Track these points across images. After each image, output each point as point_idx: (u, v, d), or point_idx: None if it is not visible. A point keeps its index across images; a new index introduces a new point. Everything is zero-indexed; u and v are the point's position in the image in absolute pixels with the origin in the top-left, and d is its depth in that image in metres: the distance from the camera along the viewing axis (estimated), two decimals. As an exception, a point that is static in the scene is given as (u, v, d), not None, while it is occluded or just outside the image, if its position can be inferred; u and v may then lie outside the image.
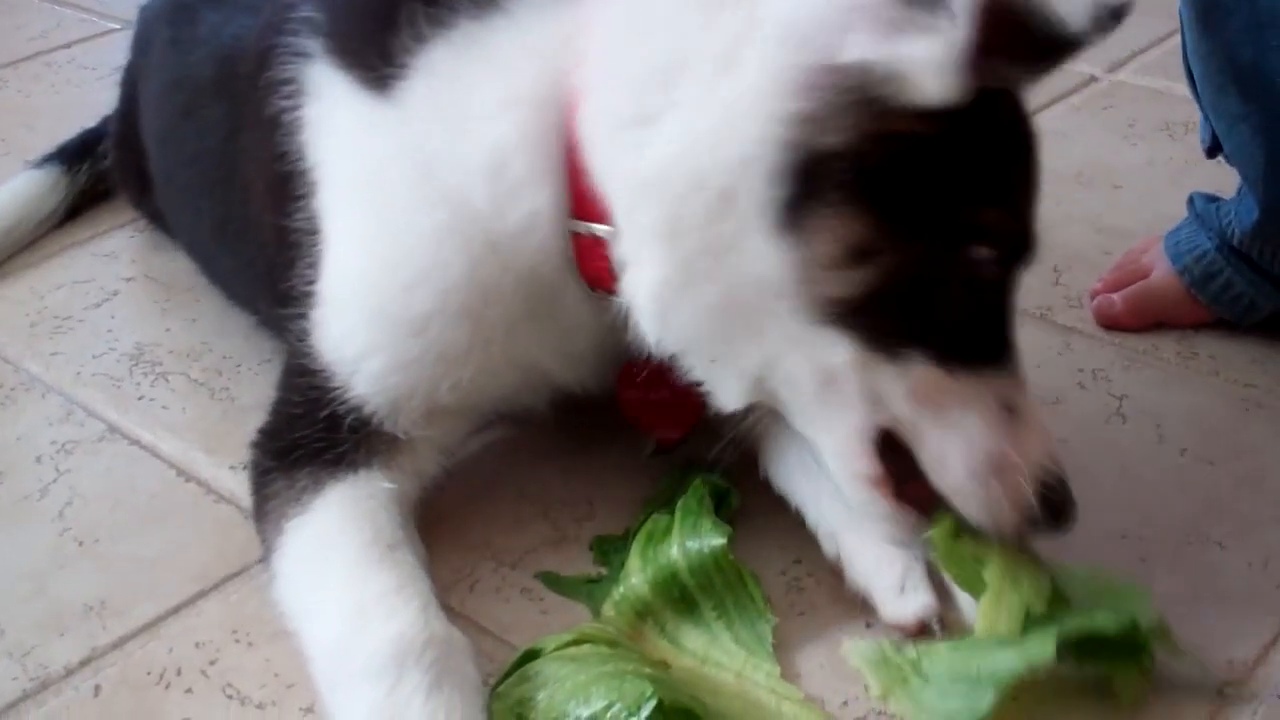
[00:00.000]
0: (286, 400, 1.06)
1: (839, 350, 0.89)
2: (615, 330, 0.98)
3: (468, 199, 0.96)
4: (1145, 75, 1.85)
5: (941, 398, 0.90)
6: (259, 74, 1.09)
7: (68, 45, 2.10)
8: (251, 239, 1.18)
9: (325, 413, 1.02)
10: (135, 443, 1.23)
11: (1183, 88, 1.79)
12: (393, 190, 1.00)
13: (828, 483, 0.98)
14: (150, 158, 1.44)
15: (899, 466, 0.93)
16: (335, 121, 1.04)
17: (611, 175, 0.92)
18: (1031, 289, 1.37)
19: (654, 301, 0.92)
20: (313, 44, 1.05)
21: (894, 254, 0.86)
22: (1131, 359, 1.28)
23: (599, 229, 0.95)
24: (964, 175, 0.88)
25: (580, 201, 0.95)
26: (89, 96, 1.83)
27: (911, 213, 0.86)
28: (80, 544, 1.11)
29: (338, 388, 1.02)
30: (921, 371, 0.89)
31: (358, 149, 1.02)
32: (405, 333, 1.00)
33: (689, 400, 1.00)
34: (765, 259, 0.87)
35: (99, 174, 1.61)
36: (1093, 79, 1.85)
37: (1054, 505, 0.91)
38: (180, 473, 1.18)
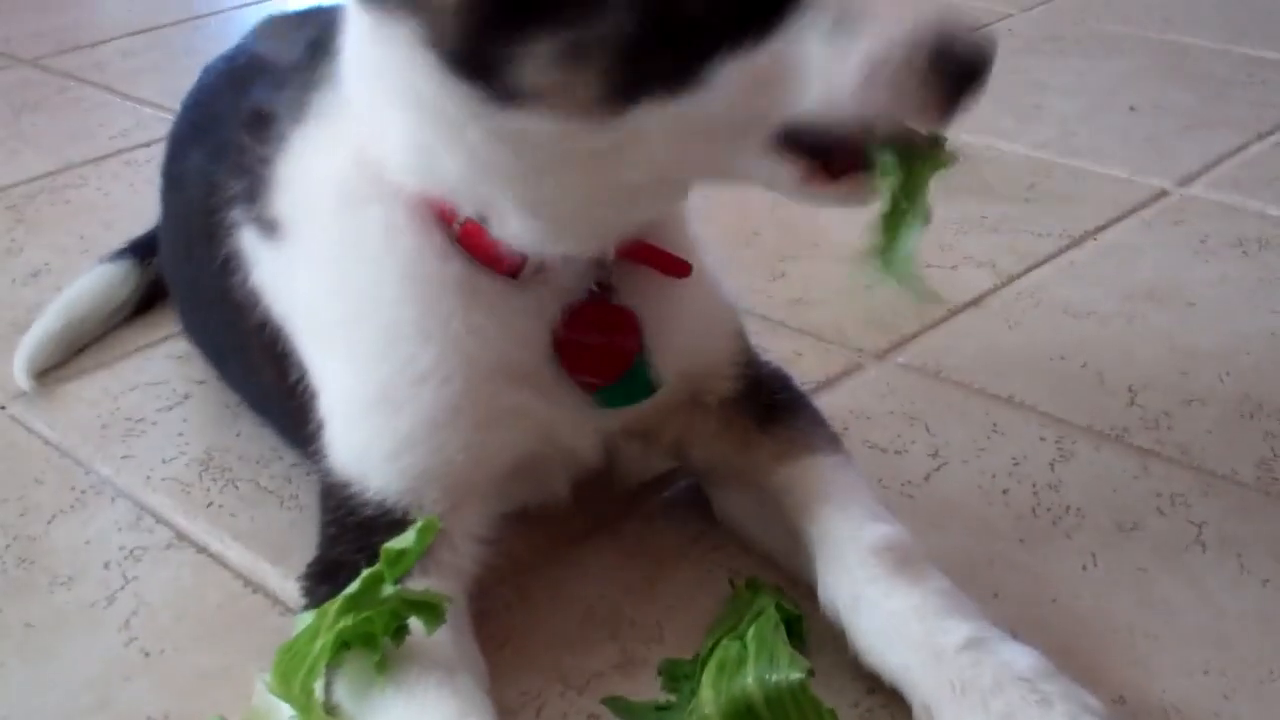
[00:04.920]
0: (324, 525, 1.08)
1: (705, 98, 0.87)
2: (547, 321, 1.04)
3: (357, 268, 1.03)
4: (1217, 190, 1.84)
5: None
6: (219, 249, 1.16)
7: (148, 144, 2.13)
8: (263, 390, 1.23)
9: (355, 520, 1.04)
10: (203, 551, 1.23)
11: (1256, 203, 1.80)
12: (322, 300, 1.06)
13: (920, 649, 0.96)
14: (169, 289, 1.50)
15: (813, 148, 0.90)
16: (270, 277, 1.11)
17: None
18: (1107, 409, 1.36)
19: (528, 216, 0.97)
20: (237, 214, 1.13)
21: None
22: (1210, 484, 1.25)
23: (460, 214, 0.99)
24: None
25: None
26: (165, 197, 1.86)
27: None
28: (146, 655, 1.11)
29: (358, 490, 1.04)
30: None
31: (292, 289, 1.09)
32: (387, 411, 1.02)
33: (619, 348, 1.05)
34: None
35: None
36: (1164, 193, 1.84)
37: (956, 62, 0.85)
38: (247, 583, 1.18)
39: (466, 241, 1.01)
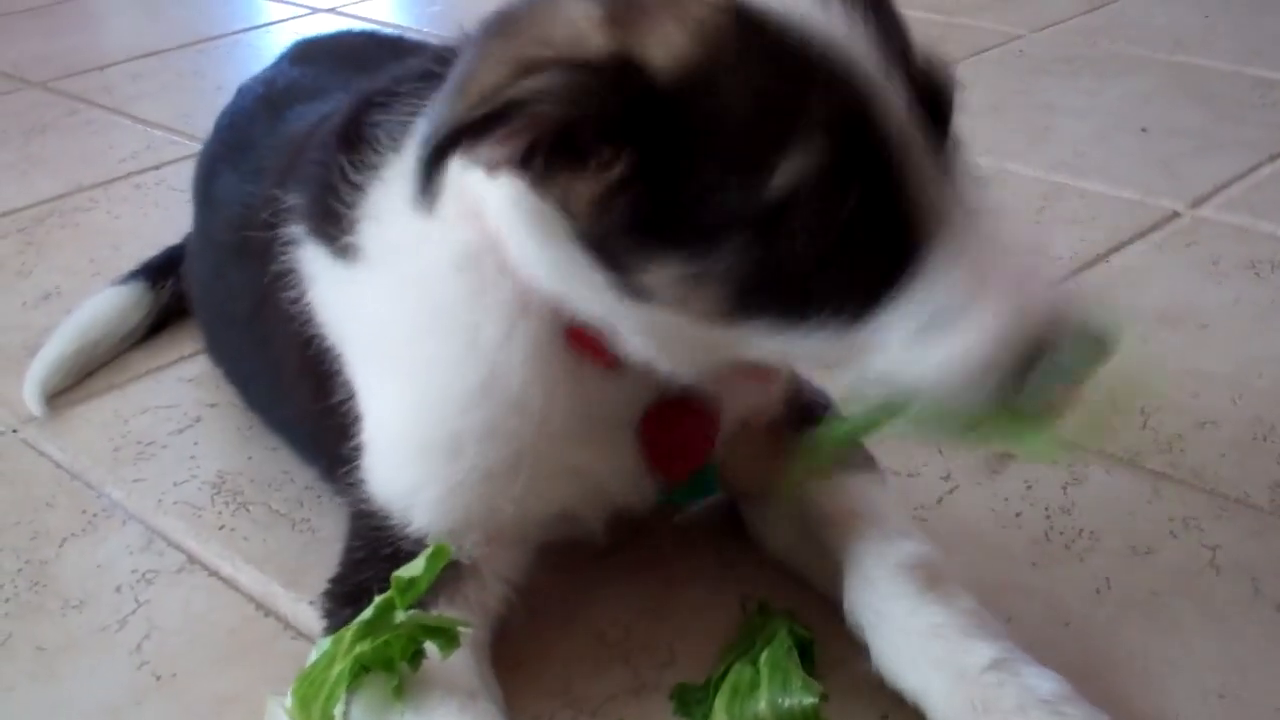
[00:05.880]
0: (351, 547, 1.08)
1: None
2: (635, 409, 1.04)
3: (463, 324, 1.00)
4: (1229, 211, 1.83)
5: None
6: (267, 265, 1.14)
7: (157, 167, 2.14)
8: (294, 409, 1.22)
9: (388, 551, 1.03)
10: (215, 574, 1.22)
11: (1268, 225, 1.79)
12: (398, 335, 1.04)
13: (943, 669, 0.96)
14: (194, 307, 1.50)
15: None
16: (334, 298, 1.09)
17: None
18: (1119, 432, 1.36)
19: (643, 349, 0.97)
20: (298, 230, 1.11)
21: None
22: (1224, 507, 1.25)
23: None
24: None
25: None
26: (177, 218, 1.84)
27: None
28: (158, 679, 1.11)
29: (397, 524, 1.03)
30: None
31: (359, 314, 1.07)
32: (447, 457, 1.02)
33: (696, 446, 1.07)
34: None
35: (182, 291, 1.61)
36: (1175, 215, 1.83)
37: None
38: (259, 606, 1.18)
39: (572, 333, 1.00)
